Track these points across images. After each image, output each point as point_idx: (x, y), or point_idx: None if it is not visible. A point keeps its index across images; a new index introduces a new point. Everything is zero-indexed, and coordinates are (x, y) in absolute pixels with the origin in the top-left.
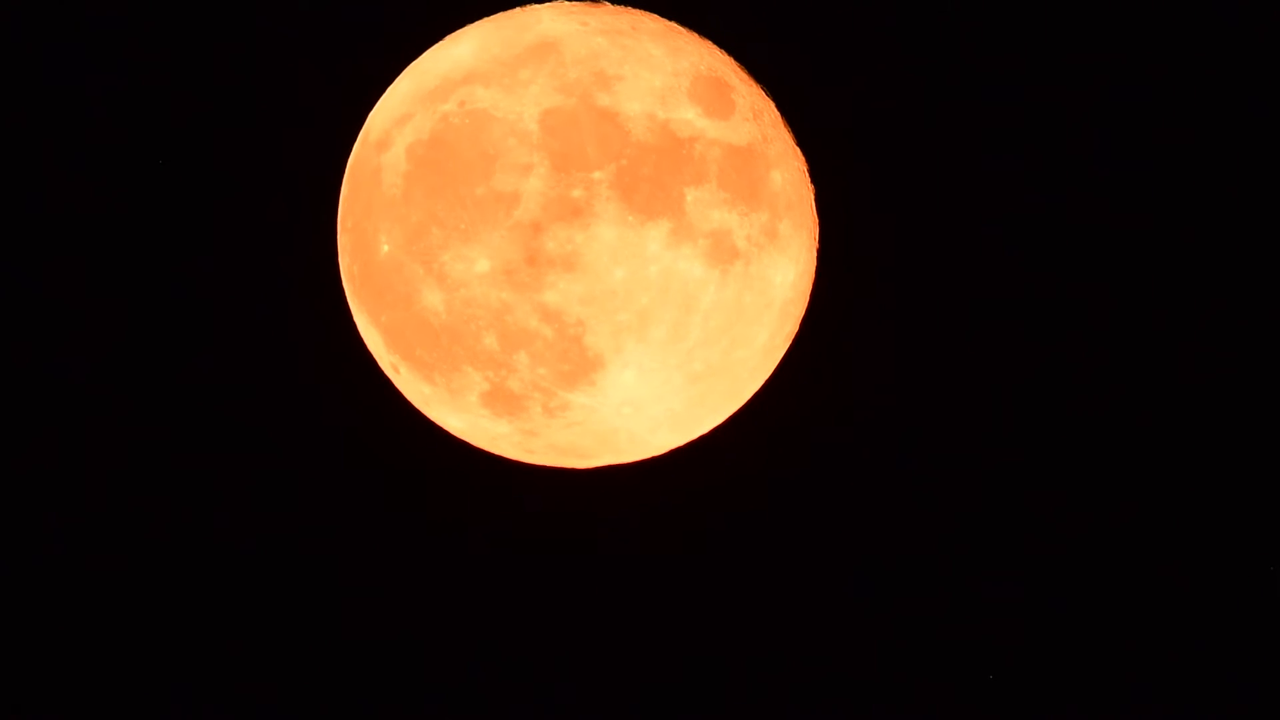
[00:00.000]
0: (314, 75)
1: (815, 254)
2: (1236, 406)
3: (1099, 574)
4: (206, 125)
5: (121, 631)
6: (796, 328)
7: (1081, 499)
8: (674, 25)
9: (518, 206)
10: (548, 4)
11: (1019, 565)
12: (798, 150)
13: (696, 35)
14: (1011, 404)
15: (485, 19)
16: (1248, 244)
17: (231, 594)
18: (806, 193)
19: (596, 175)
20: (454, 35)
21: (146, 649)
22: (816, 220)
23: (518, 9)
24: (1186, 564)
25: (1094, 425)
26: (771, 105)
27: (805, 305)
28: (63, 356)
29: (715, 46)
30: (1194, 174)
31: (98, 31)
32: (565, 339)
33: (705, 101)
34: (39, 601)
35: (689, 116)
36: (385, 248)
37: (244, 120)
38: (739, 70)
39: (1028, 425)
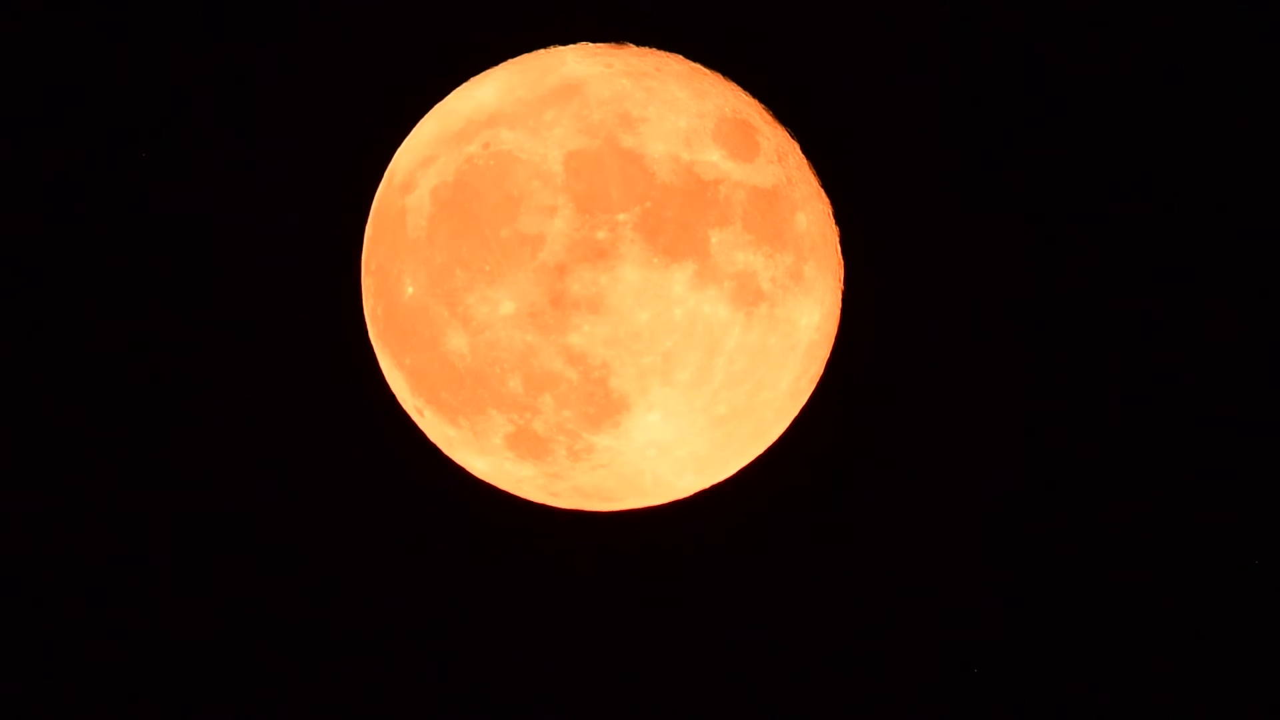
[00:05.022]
0: (339, 118)
1: (840, 296)
2: None
3: (1129, 608)
4: (232, 170)
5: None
6: (822, 370)
7: (1120, 531)
8: (699, 67)
9: (542, 248)
10: (572, 46)
11: (1051, 604)
12: (822, 192)
13: (721, 77)
14: (1041, 443)
15: (509, 61)
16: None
17: (251, 638)
18: (831, 234)
19: (621, 217)
20: (478, 77)
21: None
22: (841, 262)
23: (542, 50)
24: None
25: (1133, 465)
26: (796, 147)
27: (830, 347)
28: (81, 403)
29: (740, 88)
30: (1231, 203)
31: (122, 90)
32: (590, 381)
33: (730, 143)
34: (40, 611)
35: (714, 158)
36: (410, 290)
37: (270, 163)
38: (764, 112)
39: (1059, 463)
